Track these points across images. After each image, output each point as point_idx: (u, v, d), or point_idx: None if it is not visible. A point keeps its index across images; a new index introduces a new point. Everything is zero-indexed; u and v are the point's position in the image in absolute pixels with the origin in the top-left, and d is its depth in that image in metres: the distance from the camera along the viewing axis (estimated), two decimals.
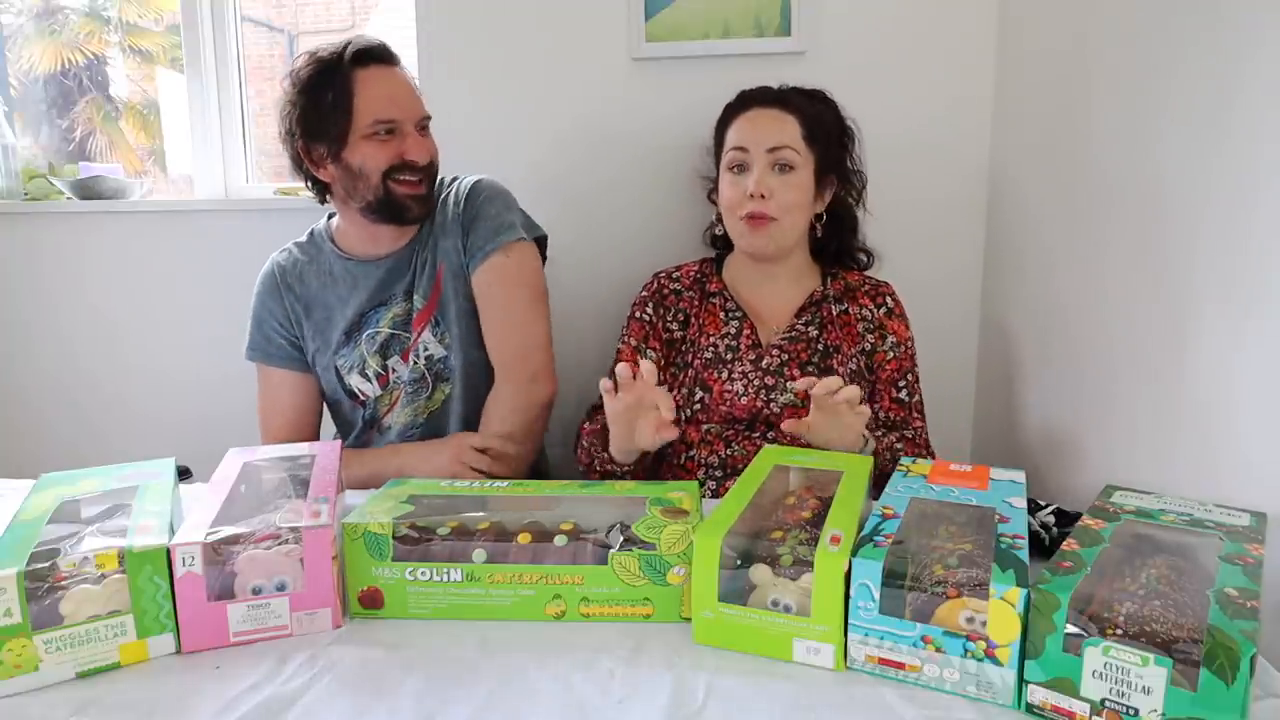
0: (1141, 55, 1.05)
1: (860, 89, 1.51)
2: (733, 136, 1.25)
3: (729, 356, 1.25)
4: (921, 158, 1.54)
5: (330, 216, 1.38)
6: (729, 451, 1.22)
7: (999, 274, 1.53)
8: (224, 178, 1.88)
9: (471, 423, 1.30)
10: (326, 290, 1.32)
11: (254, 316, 1.36)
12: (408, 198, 1.23)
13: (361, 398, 1.33)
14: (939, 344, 1.53)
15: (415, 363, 1.31)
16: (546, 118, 1.59)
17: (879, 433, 1.21)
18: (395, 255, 1.31)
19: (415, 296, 1.30)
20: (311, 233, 1.38)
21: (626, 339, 1.33)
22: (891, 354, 1.25)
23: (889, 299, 1.28)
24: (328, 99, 1.19)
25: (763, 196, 1.19)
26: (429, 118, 1.25)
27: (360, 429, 1.37)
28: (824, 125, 1.25)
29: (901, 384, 1.25)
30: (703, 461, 1.22)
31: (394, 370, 1.32)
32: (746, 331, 1.27)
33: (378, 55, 1.21)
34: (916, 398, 1.26)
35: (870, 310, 1.27)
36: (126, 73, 6.16)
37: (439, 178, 1.33)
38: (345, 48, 1.21)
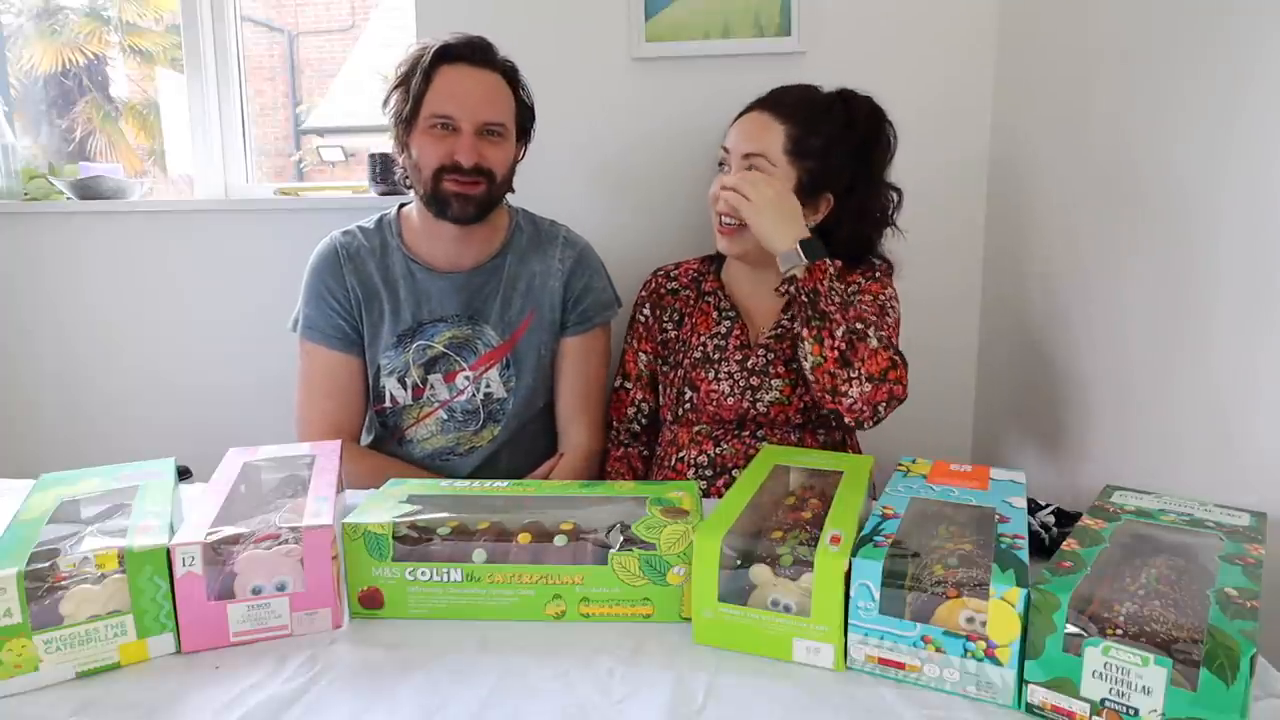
0: (1143, 49, 1.05)
1: (860, 89, 1.52)
2: (726, 136, 1.24)
3: (717, 356, 1.25)
4: (922, 157, 1.53)
5: (401, 206, 1.36)
6: (718, 451, 1.22)
7: (1000, 274, 1.53)
8: (224, 178, 1.88)
9: (517, 470, 1.32)
10: (386, 287, 1.29)
11: (310, 292, 1.31)
12: (451, 194, 1.21)
13: (389, 404, 1.31)
14: (939, 343, 1.53)
15: (473, 395, 1.30)
16: (546, 117, 1.58)
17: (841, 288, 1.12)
18: (465, 274, 1.30)
19: (489, 329, 1.30)
20: (380, 220, 1.35)
21: (630, 339, 1.37)
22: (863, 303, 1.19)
23: (878, 269, 1.25)
24: (410, 86, 1.21)
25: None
26: (498, 124, 1.22)
27: (379, 434, 1.36)
28: (823, 138, 1.18)
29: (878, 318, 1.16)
30: (692, 462, 1.23)
31: (431, 387, 1.30)
32: (737, 331, 1.26)
33: (464, 54, 1.22)
34: (892, 327, 1.18)
35: (858, 284, 1.23)
36: (126, 73, 6.17)
37: (521, 210, 1.38)
38: (448, 42, 1.22)
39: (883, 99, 1.52)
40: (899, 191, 1.28)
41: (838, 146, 1.19)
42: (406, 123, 1.22)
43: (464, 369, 1.29)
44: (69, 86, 5.68)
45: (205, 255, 1.81)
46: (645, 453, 1.37)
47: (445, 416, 1.31)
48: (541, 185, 1.60)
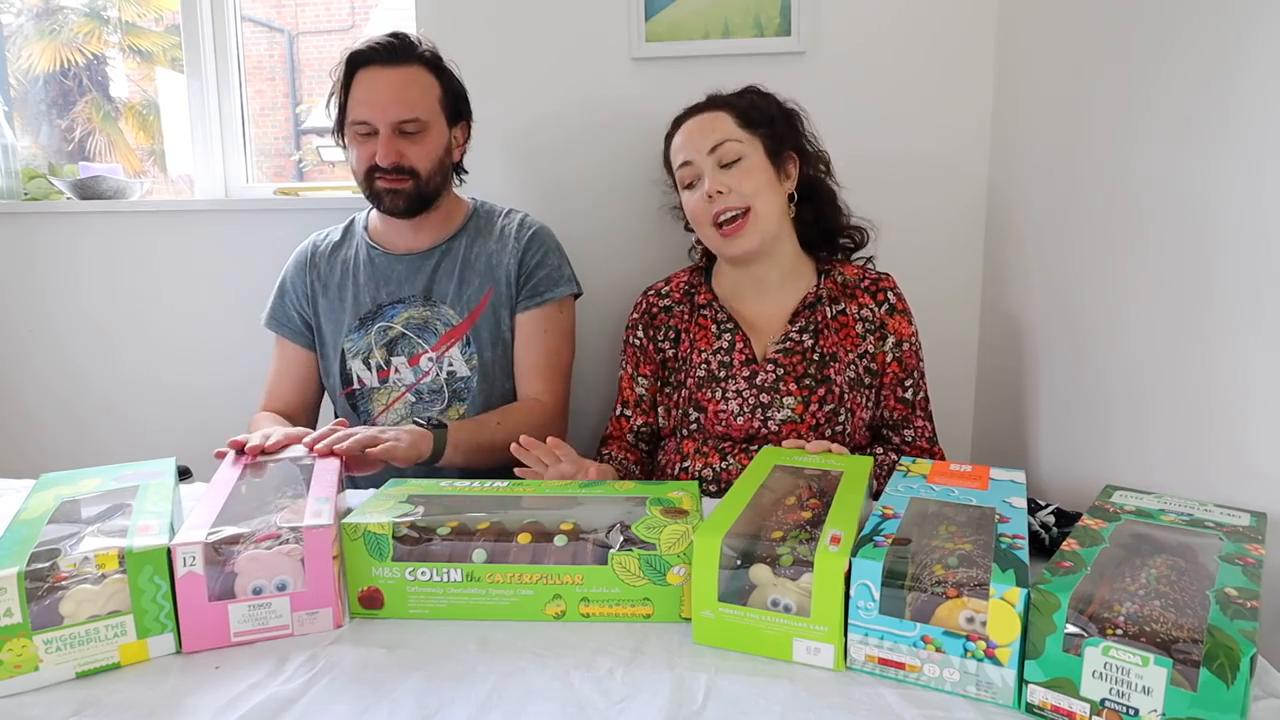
0: (1141, 52, 1.05)
1: (860, 88, 1.52)
2: (676, 155, 1.25)
3: (722, 374, 1.22)
4: (921, 156, 1.54)
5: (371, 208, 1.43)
6: (724, 465, 1.19)
7: (999, 274, 1.53)
8: (224, 178, 1.88)
9: None
10: (347, 275, 1.37)
11: (279, 285, 1.42)
12: (384, 191, 1.28)
13: (357, 385, 1.35)
14: (939, 343, 1.53)
15: (437, 375, 1.33)
16: (546, 118, 1.59)
17: (879, 450, 1.22)
18: (420, 255, 1.35)
19: (447, 309, 1.33)
20: (353, 219, 1.44)
21: (624, 365, 1.33)
22: (893, 355, 1.22)
23: (890, 294, 1.24)
24: (339, 95, 1.29)
25: (720, 193, 1.18)
26: (411, 120, 1.25)
27: (350, 423, 1.37)
28: (760, 110, 1.23)
29: (907, 382, 1.23)
30: (696, 474, 1.20)
31: (396, 370, 1.34)
32: (739, 345, 1.23)
33: (374, 57, 1.26)
34: (921, 395, 1.24)
35: (870, 309, 1.23)
36: (126, 73, 6.17)
37: (480, 200, 1.42)
38: (358, 48, 1.27)
39: (883, 98, 1.53)
40: (826, 154, 1.32)
41: (774, 112, 1.25)
42: (340, 130, 1.30)
43: (426, 351, 1.33)
44: (69, 86, 5.69)
45: (205, 255, 1.81)
46: (646, 449, 1.35)
47: (413, 399, 1.34)
48: (540, 184, 1.61)
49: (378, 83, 1.25)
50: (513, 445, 1.01)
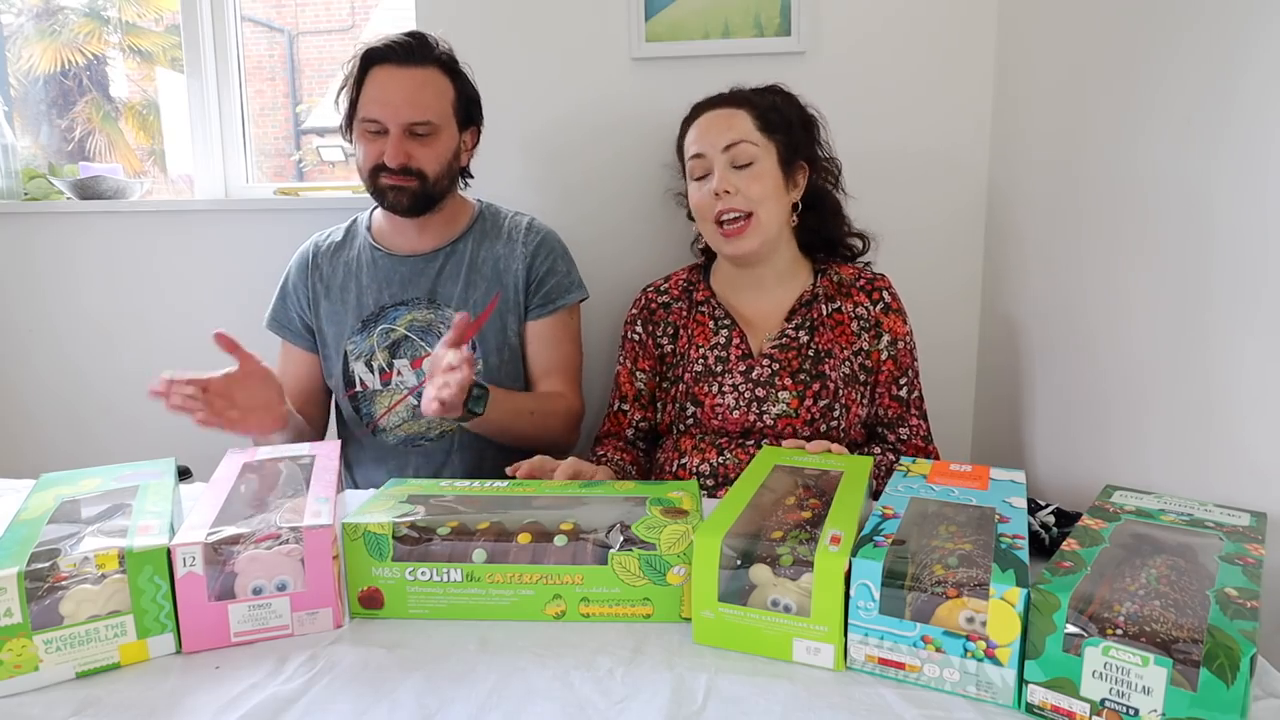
0: (1142, 53, 1.05)
1: (861, 87, 1.52)
2: (690, 145, 1.24)
3: (719, 369, 1.23)
4: (922, 156, 1.54)
5: (375, 207, 1.42)
6: (720, 460, 1.19)
7: (999, 273, 1.53)
8: (224, 178, 1.88)
9: (490, 454, 1.32)
10: (350, 276, 1.36)
11: (281, 287, 1.41)
12: (388, 188, 1.27)
13: (360, 388, 1.35)
14: (939, 343, 1.53)
15: None
16: (546, 118, 1.60)
17: (876, 450, 1.23)
18: (424, 257, 1.34)
19: (452, 313, 1.32)
20: (355, 219, 1.43)
21: (622, 359, 1.34)
22: (888, 353, 1.23)
23: (885, 294, 1.25)
24: (351, 90, 1.28)
25: (728, 193, 1.18)
26: (423, 123, 1.24)
27: (350, 422, 1.39)
28: (780, 113, 1.23)
29: (902, 381, 1.24)
30: (694, 470, 1.21)
31: (399, 372, 1.33)
32: (736, 340, 1.24)
33: (391, 56, 1.24)
34: (915, 394, 1.25)
35: (866, 308, 1.24)
36: (126, 73, 6.17)
37: (485, 202, 1.42)
38: (374, 45, 1.26)
39: (883, 97, 1.53)
40: (839, 161, 1.33)
41: (793, 119, 1.25)
42: (348, 125, 1.29)
43: (430, 354, 1.30)
44: (69, 86, 5.69)
45: (205, 255, 1.81)
46: (644, 448, 1.36)
47: (416, 402, 1.33)
48: (540, 184, 1.61)
49: (392, 82, 1.24)
50: (508, 469, 1.01)
